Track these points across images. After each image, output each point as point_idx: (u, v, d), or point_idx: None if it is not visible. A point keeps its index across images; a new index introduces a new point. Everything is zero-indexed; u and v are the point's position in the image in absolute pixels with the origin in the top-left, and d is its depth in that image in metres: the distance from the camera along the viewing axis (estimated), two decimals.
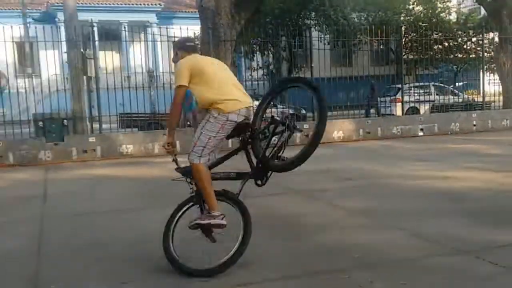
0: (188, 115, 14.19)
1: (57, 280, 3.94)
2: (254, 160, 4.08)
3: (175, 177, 4.23)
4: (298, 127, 3.99)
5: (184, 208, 4.22)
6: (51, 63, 12.45)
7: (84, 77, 12.89)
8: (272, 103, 4.46)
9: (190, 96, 14.88)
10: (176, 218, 4.18)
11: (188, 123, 13.83)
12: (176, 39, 6.66)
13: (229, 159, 4.17)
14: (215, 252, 3.97)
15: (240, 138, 4.18)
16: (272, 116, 4.02)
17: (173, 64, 4.77)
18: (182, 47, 4.30)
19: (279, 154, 3.96)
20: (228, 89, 4.02)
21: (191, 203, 4.20)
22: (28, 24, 25.35)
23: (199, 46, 13.45)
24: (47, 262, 4.44)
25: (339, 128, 13.61)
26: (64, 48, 13.53)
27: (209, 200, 3.98)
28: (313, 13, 26.31)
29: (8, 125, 11.74)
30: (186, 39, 4.72)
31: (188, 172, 4.10)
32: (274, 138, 3.99)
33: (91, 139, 11.79)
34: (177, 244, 4.09)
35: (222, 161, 4.19)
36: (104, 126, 12.64)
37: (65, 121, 11.82)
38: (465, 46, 27.37)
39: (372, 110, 20.69)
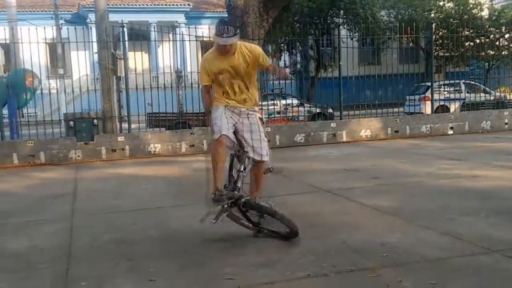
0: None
1: (87, 277, 4.01)
2: None
3: None
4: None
5: None
6: (82, 63, 12.65)
7: (114, 77, 13.06)
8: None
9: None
10: None
11: None
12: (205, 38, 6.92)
13: None
14: None
15: None
16: None
17: (199, 64, 4.87)
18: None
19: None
20: None
21: None
22: (60, 25, 25.86)
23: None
24: (77, 259, 4.51)
25: (366, 127, 13.44)
26: (95, 49, 13.74)
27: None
28: (342, 12, 26.13)
29: (40, 124, 11.98)
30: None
31: None
32: None
33: (120, 139, 11.94)
34: None
35: None
36: (132, 125, 12.79)
37: (95, 120, 12.00)
38: (497, 43, 26.85)
39: None
